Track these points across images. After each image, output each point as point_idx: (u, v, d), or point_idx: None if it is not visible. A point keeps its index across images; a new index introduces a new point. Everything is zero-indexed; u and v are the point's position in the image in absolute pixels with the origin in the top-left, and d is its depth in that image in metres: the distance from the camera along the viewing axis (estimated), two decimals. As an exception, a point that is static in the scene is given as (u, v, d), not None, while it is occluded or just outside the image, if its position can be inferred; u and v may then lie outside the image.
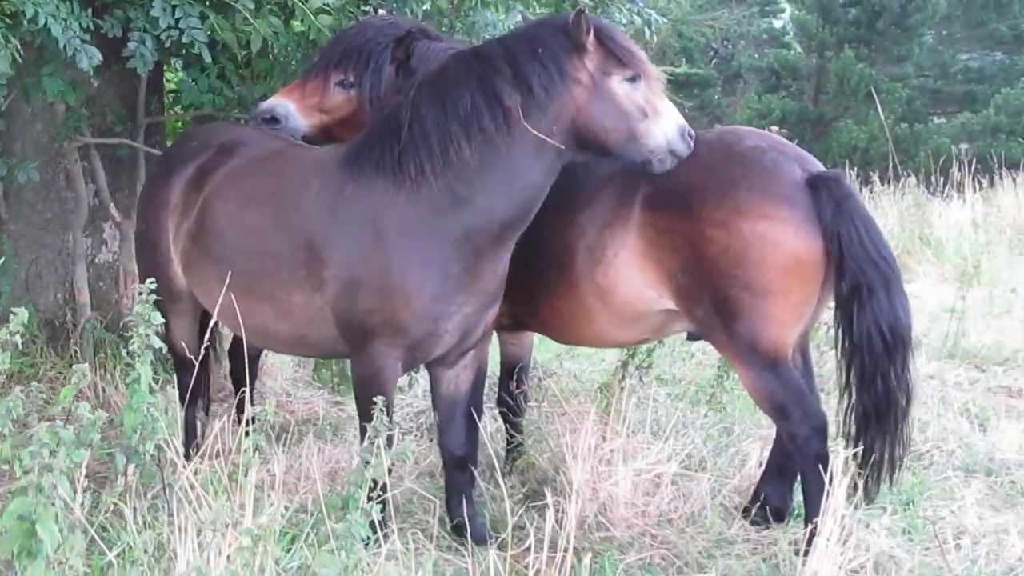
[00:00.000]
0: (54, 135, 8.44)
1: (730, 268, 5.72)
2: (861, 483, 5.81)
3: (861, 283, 5.75)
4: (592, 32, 5.53)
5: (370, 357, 5.90)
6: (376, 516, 4.33)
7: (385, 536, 5.38)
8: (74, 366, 4.91)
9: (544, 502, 5.89)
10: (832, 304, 6.03)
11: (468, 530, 6.12)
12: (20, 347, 5.11)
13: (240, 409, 7.09)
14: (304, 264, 5.93)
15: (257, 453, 4.83)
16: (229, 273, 6.14)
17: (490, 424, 7.79)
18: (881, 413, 5.91)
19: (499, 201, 5.66)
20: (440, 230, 5.69)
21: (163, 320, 5.33)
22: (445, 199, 5.67)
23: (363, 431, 5.67)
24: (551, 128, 5.56)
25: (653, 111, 5.68)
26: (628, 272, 6.05)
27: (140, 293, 5.16)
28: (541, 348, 9.35)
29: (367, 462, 4.67)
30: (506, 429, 7.52)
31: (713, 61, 36.25)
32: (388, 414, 5.23)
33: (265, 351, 7.82)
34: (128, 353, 7.77)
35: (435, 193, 5.66)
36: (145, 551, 4.43)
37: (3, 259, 8.25)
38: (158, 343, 5.07)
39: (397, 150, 5.72)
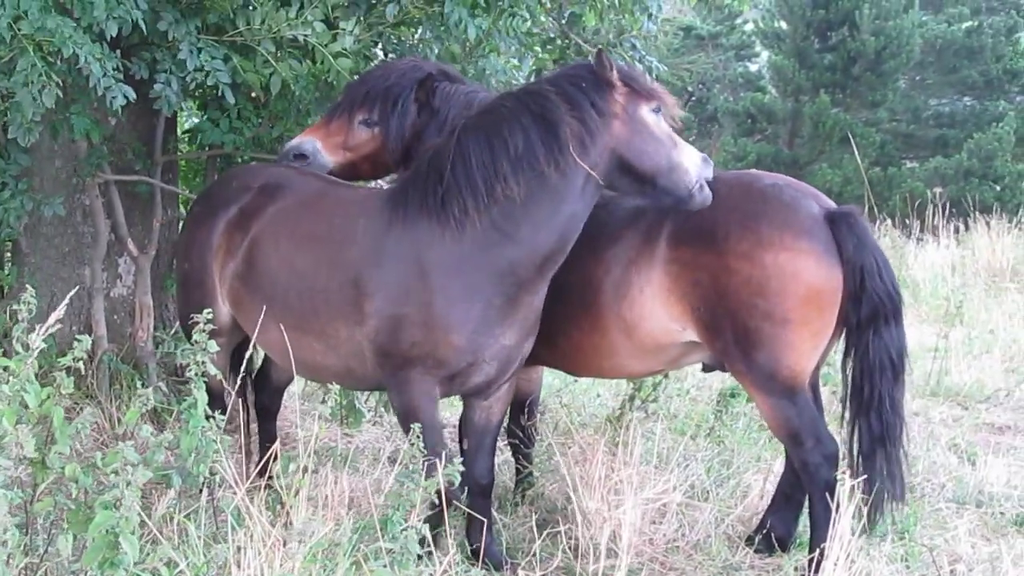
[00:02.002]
0: (74, 171, 8.61)
1: (752, 298, 5.98)
2: (866, 511, 6.06)
3: (879, 312, 6.06)
4: (615, 69, 5.83)
5: (408, 387, 6.08)
6: (428, 534, 4.56)
7: (429, 555, 5.59)
8: (138, 390, 5.13)
9: (556, 530, 6.16)
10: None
11: (484, 555, 6.30)
12: (83, 372, 5.34)
13: (268, 438, 7.31)
14: (350, 300, 6.12)
15: (306, 475, 5.06)
16: (280, 311, 6.37)
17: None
18: (891, 433, 6.20)
19: (543, 234, 5.88)
20: (484, 265, 5.89)
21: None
22: (490, 236, 5.87)
23: (429, 469, 5.73)
24: (596, 161, 5.81)
25: (678, 141, 6.00)
26: (654, 307, 6.29)
27: (197, 323, 5.34)
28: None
29: (402, 482, 4.91)
30: (515, 461, 7.76)
31: (689, 104, 36.44)
32: (431, 441, 5.44)
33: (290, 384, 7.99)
34: (143, 384, 8.05)
35: (479, 231, 5.86)
36: (210, 563, 4.66)
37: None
38: (213, 370, 5.27)
39: (440, 191, 5.92)
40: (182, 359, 8.46)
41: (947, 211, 20.25)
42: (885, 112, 28.44)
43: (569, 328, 6.54)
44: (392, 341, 6.01)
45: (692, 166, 5.92)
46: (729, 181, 6.38)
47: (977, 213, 19.77)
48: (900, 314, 6.19)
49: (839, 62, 28.09)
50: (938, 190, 22.49)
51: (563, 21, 9.47)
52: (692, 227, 6.17)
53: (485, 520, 6.34)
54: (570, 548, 6.42)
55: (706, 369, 6.87)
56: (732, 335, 6.10)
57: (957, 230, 19.71)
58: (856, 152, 21.35)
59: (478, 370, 6.15)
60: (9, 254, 9.19)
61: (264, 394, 7.88)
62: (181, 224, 9.29)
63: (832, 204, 6.30)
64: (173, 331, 9.17)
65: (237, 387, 6.69)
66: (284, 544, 4.74)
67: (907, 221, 20.18)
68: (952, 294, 13.22)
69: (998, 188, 25.09)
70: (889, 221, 19.50)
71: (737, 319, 6.04)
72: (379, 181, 8.47)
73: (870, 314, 6.06)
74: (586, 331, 6.54)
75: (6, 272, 9.03)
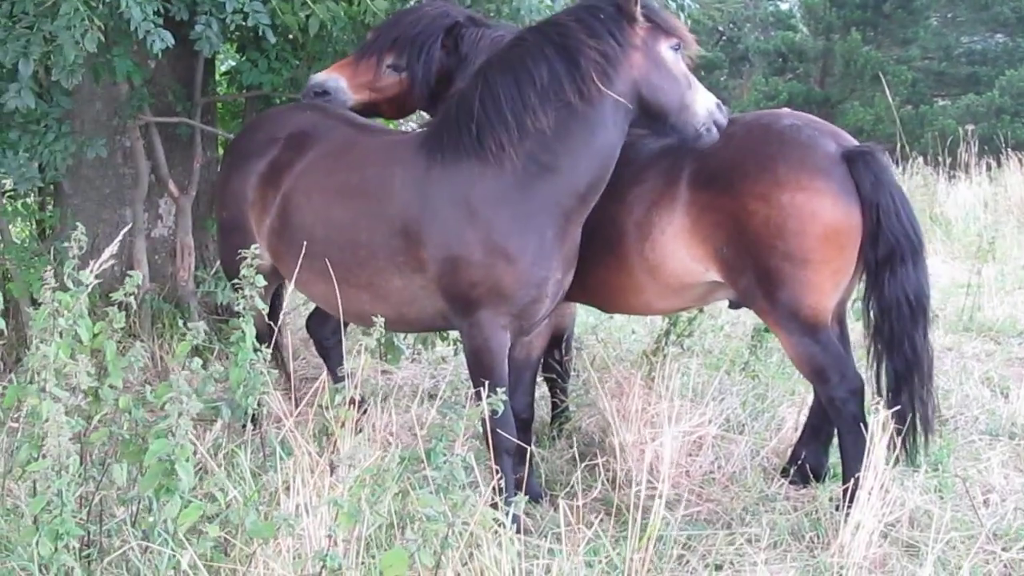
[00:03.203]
0: (115, 113, 8.74)
1: (771, 239, 6.00)
2: (899, 443, 6.14)
3: (895, 252, 6.05)
4: (638, 3, 5.88)
5: (479, 328, 6.10)
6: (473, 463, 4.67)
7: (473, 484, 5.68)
8: (188, 324, 5.24)
9: (594, 463, 6.26)
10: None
11: (524, 487, 6.32)
12: (136, 307, 5.45)
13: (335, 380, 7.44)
14: (401, 250, 6.17)
15: (354, 405, 5.18)
16: (320, 264, 6.38)
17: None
18: (910, 375, 6.22)
19: (582, 163, 5.94)
20: (530, 197, 5.94)
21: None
22: (530, 168, 5.92)
23: (478, 396, 5.85)
24: (621, 89, 5.87)
25: (693, 82, 6.07)
26: (675, 247, 6.32)
27: (245, 259, 5.42)
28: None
29: (445, 414, 5.02)
30: (552, 395, 7.87)
31: (719, 44, 36.33)
32: (498, 384, 5.51)
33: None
34: (185, 324, 8.18)
35: (519, 164, 5.91)
36: (260, 491, 4.79)
37: (67, 232, 8.58)
38: (261, 304, 5.37)
39: (474, 129, 5.96)
40: (223, 299, 8.70)
41: (979, 148, 20.19)
42: (917, 50, 28.36)
43: (596, 267, 6.58)
44: (454, 283, 6.06)
45: (702, 108, 6.02)
46: (748, 123, 6.42)
47: (1009, 150, 19.70)
48: (919, 254, 6.17)
49: (870, 0, 27.99)
50: (970, 127, 22.43)
51: (596, -41, 9.49)
52: (712, 169, 6.22)
53: (523, 454, 6.35)
54: (608, 480, 6.52)
55: (732, 306, 6.96)
56: (754, 275, 6.14)
57: (989, 167, 19.66)
58: (887, 90, 21.30)
59: (541, 305, 6.21)
60: (52, 195, 9.32)
61: (320, 335, 8.05)
62: (219, 166, 9.42)
63: (853, 142, 6.30)
64: (214, 271, 9.29)
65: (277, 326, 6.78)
66: (332, 472, 4.87)
67: (939, 159, 20.13)
68: (984, 231, 13.23)
69: (1030, 125, 24.99)
70: (921, 159, 19.37)
71: (758, 259, 6.09)
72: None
73: (886, 254, 6.07)
74: (612, 270, 6.59)
75: (48, 214, 9.17)
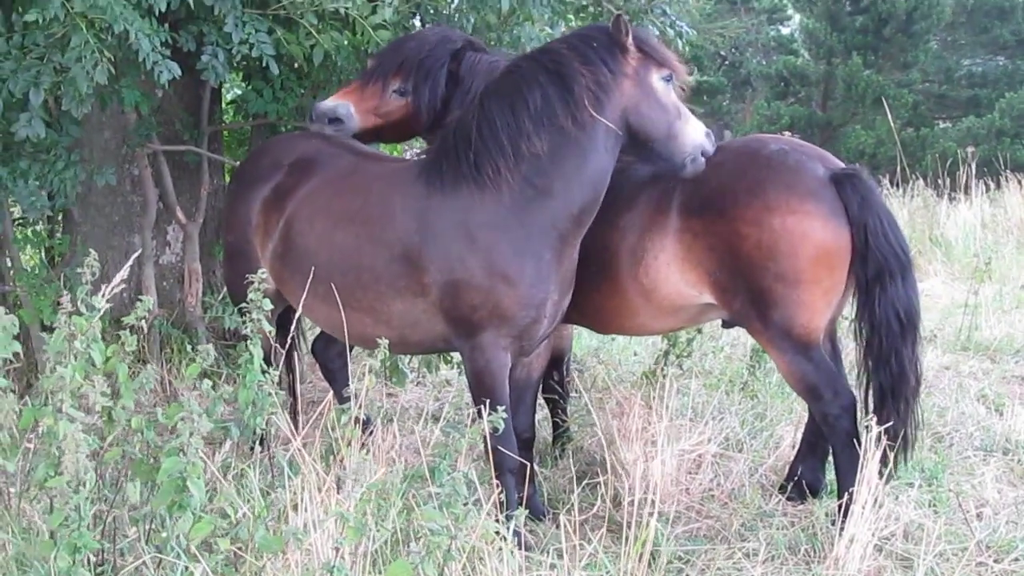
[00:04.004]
0: (123, 142, 8.88)
1: (763, 261, 6.13)
2: (889, 455, 6.25)
3: (883, 271, 6.17)
4: (630, 34, 6.03)
5: (481, 349, 6.20)
6: (475, 479, 4.79)
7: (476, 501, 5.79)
8: (198, 347, 5.38)
9: (595, 481, 6.38)
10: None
11: (526, 505, 6.43)
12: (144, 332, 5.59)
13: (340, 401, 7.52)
14: (403, 275, 6.27)
15: (357, 426, 5.31)
16: (323, 288, 6.49)
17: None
18: (896, 391, 6.32)
19: (575, 187, 6.05)
20: (528, 221, 6.04)
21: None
22: (526, 192, 6.04)
23: (479, 415, 5.85)
24: (612, 116, 6.00)
25: (683, 112, 6.20)
26: (669, 272, 6.45)
27: (250, 282, 5.56)
28: (576, 343, 9.83)
29: (448, 432, 5.14)
30: (553, 416, 7.98)
31: (722, 68, 36.48)
32: (499, 404, 5.61)
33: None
34: (193, 348, 8.30)
35: (516, 189, 6.03)
36: (268, 508, 4.91)
37: (77, 259, 8.72)
38: (268, 327, 5.50)
39: (471, 156, 6.09)
40: (230, 324, 8.84)
41: (979, 170, 20.32)
42: (917, 73, 28.53)
43: (592, 291, 6.69)
44: (455, 306, 6.16)
45: (690, 138, 6.15)
46: (737, 149, 6.57)
47: (1009, 172, 19.84)
48: (908, 271, 6.29)
49: (871, 24, 28.18)
50: (970, 149, 22.53)
51: (595, -12, 9.66)
52: (703, 195, 6.34)
53: (524, 473, 6.44)
54: (609, 498, 6.64)
55: (726, 325, 7.08)
56: (747, 297, 6.27)
57: (989, 188, 19.79)
58: (889, 113, 21.47)
59: (540, 326, 6.31)
60: (60, 223, 9.47)
61: (325, 358, 8.17)
62: (226, 193, 9.57)
63: (840, 165, 6.43)
64: (221, 296, 9.42)
65: (286, 349, 6.89)
66: (339, 488, 4.99)
67: (939, 181, 20.27)
68: (982, 251, 13.34)
69: (1030, 147, 25.13)
70: (921, 181, 19.55)
71: (751, 282, 6.21)
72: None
73: (875, 272, 6.19)
74: (607, 293, 6.72)
75: (58, 240, 9.31)
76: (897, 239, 6.25)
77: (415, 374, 9.64)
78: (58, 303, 7.99)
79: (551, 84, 5.99)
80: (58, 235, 9.50)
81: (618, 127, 6.06)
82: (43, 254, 9.58)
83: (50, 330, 6.51)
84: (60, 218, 9.45)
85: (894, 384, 6.33)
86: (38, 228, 9.66)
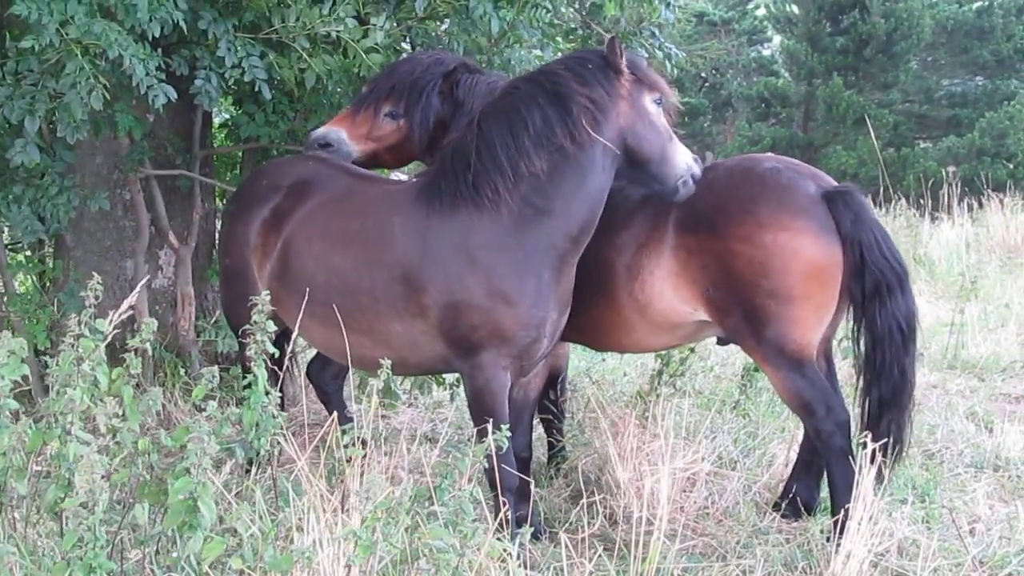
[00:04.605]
0: (115, 166, 8.89)
1: (756, 278, 6.22)
2: (883, 468, 6.29)
3: (881, 283, 6.26)
4: (624, 56, 6.12)
5: (481, 369, 6.26)
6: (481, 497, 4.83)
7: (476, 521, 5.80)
8: (203, 369, 5.42)
9: (591, 500, 6.42)
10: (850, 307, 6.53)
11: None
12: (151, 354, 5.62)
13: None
14: (402, 296, 6.32)
15: (361, 445, 5.35)
16: (321, 310, 6.56)
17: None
18: (898, 398, 6.41)
19: (574, 206, 6.13)
20: (527, 241, 6.12)
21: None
22: (525, 212, 6.11)
23: (480, 435, 6.05)
24: (609, 136, 6.08)
25: (673, 136, 6.31)
26: (664, 289, 6.54)
27: (247, 304, 5.60)
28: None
29: (449, 452, 5.16)
30: (548, 436, 8.00)
31: (703, 90, 36.60)
32: (500, 423, 5.63)
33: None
34: (186, 372, 8.32)
35: (515, 209, 6.10)
36: (276, 527, 4.95)
37: (69, 284, 8.76)
38: (272, 348, 5.54)
39: (470, 177, 6.15)
40: (223, 347, 8.86)
41: (961, 190, 20.46)
42: (898, 93, 28.63)
43: (588, 307, 6.76)
44: (455, 327, 6.21)
45: (681, 161, 6.27)
46: (730, 167, 6.67)
47: (990, 191, 19.99)
48: (905, 282, 6.38)
49: (851, 45, 28.30)
50: (952, 169, 22.66)
51: (584, 12, 9.72)
52: (697, 213, 6.42)
53: (522, 493, 6.49)
54: (605, 516, 6.68)
55: (721, 342, 7.12)
56: (741, 314, 6.35)
57: (971, 208, 19.93)
58: (872, 133, 21.57)
59: (540, 345, 6.38)
60: (52, 248, 9.48)
61: (320, 381, 8.21)
62: (219, 217, 9.59)
63: (832, 183, 6.53)
64: (214, 320, 9.46)
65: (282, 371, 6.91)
66: (344, 507, 5.03)
67: (921, 200, 20.39)
68: (967, 270, 13.43)
69: (1011, 166, 25.25)
70: (904, 201, 19.70)
71: (744, 299, 6.30)
72: (399, 173, 8.77)
73: (873, 287, 6.27)
74: (603, 309, 6.80)
75: (51, 266, 9.33)
76: (892, 252, 6.34)
77: (407, 395, 9.66)
78: (51, 328, 8.05)
79: (550, 105, 6.06)
80: (48, 260, 9.50)
81: (616, 147, 6.13)
82: (36, 279, 9.59)
83: (43, 355, 6.55)
84: (51, 243, 9.44)
85: (895, 393, 6.42)
86: (29, 253, 9.68)
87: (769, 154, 6.98)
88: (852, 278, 6.30)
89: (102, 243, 9.16)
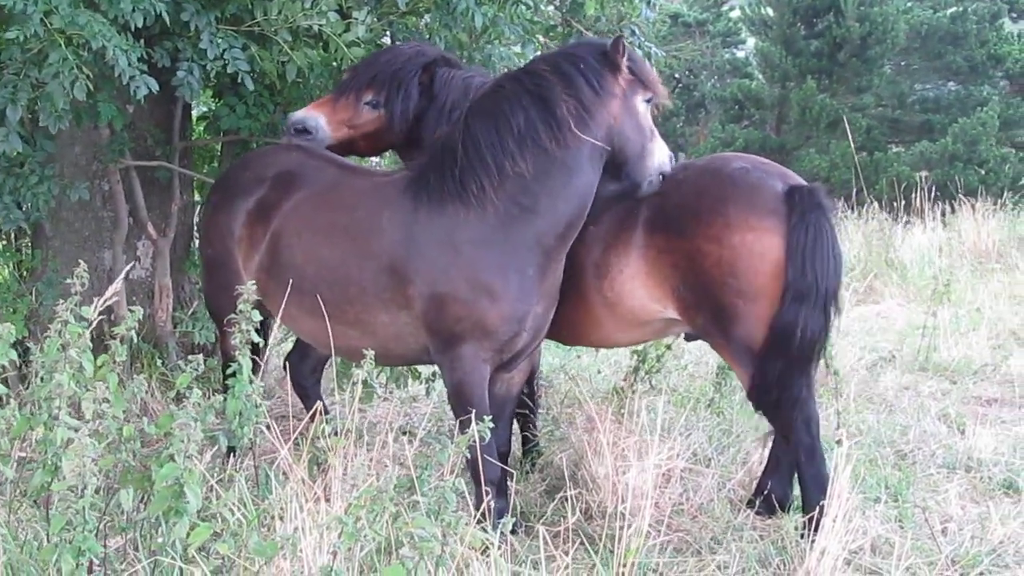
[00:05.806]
0: (94, 157, 8.90)
1: (724, 277, 6.29)
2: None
3: (791, 287, 6.25)
4: (627, 55, 6.18)
5: (461, 361, 6.32)
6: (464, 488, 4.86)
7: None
8: (189, 357, 5.44)
9: (566, 494, 6.46)
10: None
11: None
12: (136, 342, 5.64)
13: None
14: (389, 287, 6.38)
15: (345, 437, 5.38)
16: (310, 301, 6.59)
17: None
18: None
19: (561, 204, 6.20)
20: (513, 237, 6.18)
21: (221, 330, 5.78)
22: (511, 210, 6.17)
23: (461, 427, 6.13)
24: (597, 133, 6.14)
25: (655, 134, 6.38)
26: (633, 287, 6.63)
27: (231, 294, 5.64)
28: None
29: (428, 444, 5.20)
30: (522, 431, 8.03)
31: (676, 91, 36.60)
32: (482, 415, 5.67)
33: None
34: (163, 363, 8.33)
35: (500, 206, 6.16)
36: (260, 514, 4.98)
37: (48, 274, 8.76)
38: (256, 338, 5.57)
39: (457, 172, 6.21)
40: (200, 339, 8.87)
41: (933, 195, 20.54)
42: (871, 97, 28.66)
43: (559, 303, 6.73)
44: (439, 319, 6.26)
45: (657, 160, 6.36)
46: (700, 167, 6.75)
47: (962, 196, 20.10)
48: (815, 297, 6.28)
49: (825, 48, 28.32)
50: (924, 174, 22.82)
51: (565, 9, 9.74)
52: (667, 213, 6.50)
53: (499, 487, 6.54)
54: (581, 511, 6.72)
55: (688, 338, 7.25)
56: (709, 312, 6.43)
57: (943, 213, 20.04)
58: (849, 135, 21.68)
59: (520, 339, 6.43)
60: (30, 237, 9.47)
61: (298, 373, 8.23)
62: (198, 208, 9.60)
63: (801, 182, 6.55)
64: (191, 311, 9.48)
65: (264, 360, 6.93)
66: (327, 496, 5.06)
67: (894, 204, 20.47)
68: (940, 274, 13.52)
69: (982, 172, 25.32)
70: (876, 205, 19.79)
71: (713, 298, 6.37)
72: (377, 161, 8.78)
73: (785, 285, 6.26)
74: (573, 305, 6.83)
75: (29, 256, 9.32)
76: (817, 263, 6.28)
77: (383, 389, 9.69)
78: (29, 317, 8.05)
79: (534, 107, 6.14)
80: (27, 250, 9.48)
81: (605, 143, 6.20)
82: (14, 268, 9.58)
83: (20, 343, 6.56)
84: (30, 233, 9.43)
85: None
86: (5, 243, 9.67)
87: (739, 153, 7.02)
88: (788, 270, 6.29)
89: (81, 233, 9.16)
